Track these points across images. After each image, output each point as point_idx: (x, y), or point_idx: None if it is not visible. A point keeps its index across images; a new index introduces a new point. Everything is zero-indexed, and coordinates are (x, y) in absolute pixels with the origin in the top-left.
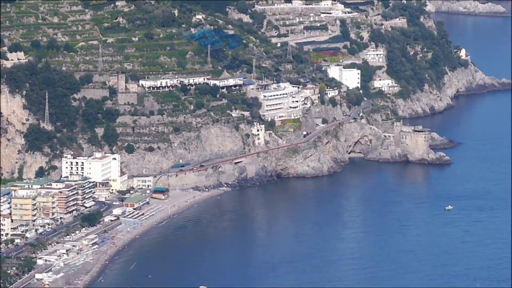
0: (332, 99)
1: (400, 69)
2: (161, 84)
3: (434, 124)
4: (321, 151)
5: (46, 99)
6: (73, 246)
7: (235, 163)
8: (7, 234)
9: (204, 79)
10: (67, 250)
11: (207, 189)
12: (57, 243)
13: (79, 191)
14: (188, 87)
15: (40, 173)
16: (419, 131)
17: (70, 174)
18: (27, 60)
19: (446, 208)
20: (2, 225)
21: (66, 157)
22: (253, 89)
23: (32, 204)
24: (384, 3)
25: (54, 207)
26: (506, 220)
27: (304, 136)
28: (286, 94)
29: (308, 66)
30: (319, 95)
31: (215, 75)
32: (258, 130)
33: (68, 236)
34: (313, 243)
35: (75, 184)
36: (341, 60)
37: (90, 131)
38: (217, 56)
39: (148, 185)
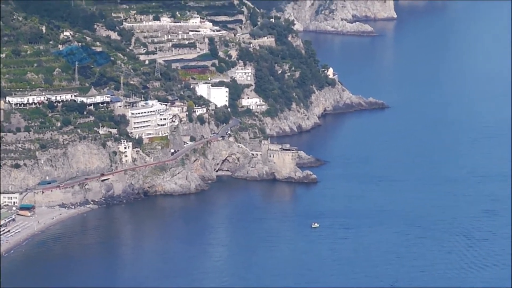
0: (200, 117)
1: (268, 87)
2: (28, 100)
3: (301, 143)
4: (188, 169)
5: None
6: None
7: (102, 180)
8: None
9: (71, 96)
10: None
11: (73, 206)
12: None
13: None
14: (55, 104)
15: None
16: (286, 150)
17: None
18: None
19: (312, 225)
20: None
21: None
22: (120, 106)
23: None
24: (252, 21)
25: None
26: (372, 238)
27: (172, 153)
28: (154, 111)
29: (176, 84)
30: (187, 112)
31: (83, 92)
32: (125, 148)
33: None
34: (180, 261)
35: None
36: (209, 78)
37: None
38: (84, 73)
39: (14, 202)
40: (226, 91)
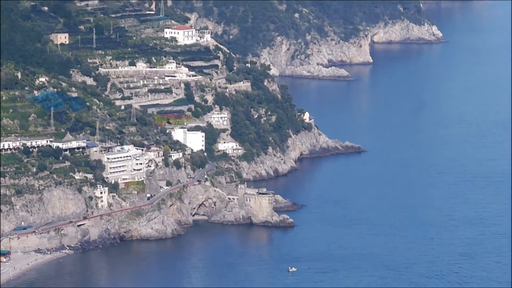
0: (177, 162)
1: (244, 132)
2: (3, 146)
3: (278, 187)
4: (165, 214)
5: None
6: None
7: (78, 225)
8: None
9: (47, 141)
10: None
11: (49, 252)
12: None
13: None
14: (30, 150)
15: None
16: (263, 194)
17: None
18: None
19: (289, 270)
20: None
21: None
22: (96, 151)
23: None
24: (228, 66)
25: None
26: (349, 282)
27: (148, 198)
28: (130, 156)
29: (152, 129)
30: (163, 157)
31: (58, 137)
32: (101, 193)
33: None
34: None
35: None
36: (185, 123)
37: None
38: (60, 118)
39: None
40: (202, 136)
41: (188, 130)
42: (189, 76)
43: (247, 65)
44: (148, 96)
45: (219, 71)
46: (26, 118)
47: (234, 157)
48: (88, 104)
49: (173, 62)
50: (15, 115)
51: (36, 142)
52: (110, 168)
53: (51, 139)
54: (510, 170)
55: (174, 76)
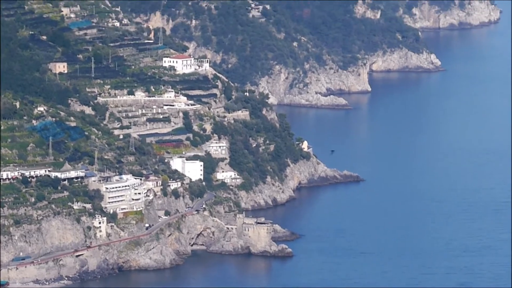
0: (175, 191)
1: (243, 161)
2: (1, 176)
3: (276, 216)
4: (163, 244)
5: None
6: None
7: (76, 256)
8: None
9: (45, 171)
10: None
11: (47, 283)
12: None
13: None
14: (29, 179)
15: None
16: (261, 223)
17: None
18: None
19: None
20: None
21: None
22: (95, 181)
23: None
24: (226, 95)
25: None
26: None
27: (147, 228)
28: (128, 186)
29: (150, 158)
30: (161, 187)
31: (57, 167)
32: (100, 223)
33: None
34: None
35: None
36: (183, 152)
37: None
38: (58, 148)
39: None
40: (201, 165)
41: (186, 160)
42: (188, 105)
43: (245, 94)
44: (146, 125)
45: (218, 100)
46: (24, 147)
47: (232, 186)
48: (86, 133)
49: (172, 91)
50: (13, 144)
51: (34, 172)
52: (109, 198)
53: (49, 169)
54: (508, 199)
55: (173, 105)
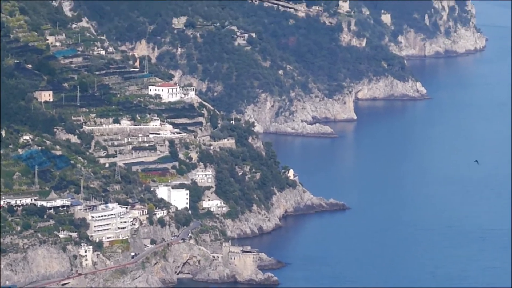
0: (161, 220)
1: (229, 189)
2: None
3: (262, 245)
4: (149, 272)
5: None
6: None
7: (62, 284)
8: None
9: (31, 200)
10: None
11: None
12: None
13: None
14: (15, 208)
15: None
16: (247, 252)
17: None
18: None
19: None
20: None
21: None
22: (80, 209)
23: None
24: (212, 123)
25: None
26: None
27: (132, 257)
28: (114, 214)
29: (136, 187)
30: (147, 215)
31: (43, 196)
32: (85, 251)
33: None
34: None
35: None
36: (169, 181)
37: None
38: (44, 176)
39: None
40: (187, 194)
41: (172, 188)
42: (174, 133)
43: (231, 122)
44: (132, 153)
45: (204, 128)
46: (10, 176)
47: (218, 214)
48: (72, 162)
49: (157, 120)
50: None
51: (20, 200)
52: (95, 226)
53: (35, 198)
54: (493, 226)
55: (159, 134)
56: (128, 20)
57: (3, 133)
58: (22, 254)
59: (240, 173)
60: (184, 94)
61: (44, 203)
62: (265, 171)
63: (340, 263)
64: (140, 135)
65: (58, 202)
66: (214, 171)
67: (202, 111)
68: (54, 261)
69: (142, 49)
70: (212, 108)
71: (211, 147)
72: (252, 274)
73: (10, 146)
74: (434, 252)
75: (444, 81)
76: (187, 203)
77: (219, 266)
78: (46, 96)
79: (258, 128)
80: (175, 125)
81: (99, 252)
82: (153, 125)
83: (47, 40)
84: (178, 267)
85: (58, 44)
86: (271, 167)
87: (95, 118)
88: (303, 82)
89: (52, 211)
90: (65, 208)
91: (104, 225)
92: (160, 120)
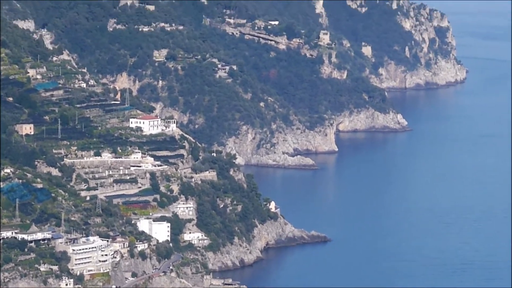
0: (142, 253)
1: (210, 222)
2: None
3: (244, 277)
4: None
5: None
6: None
7: None
8: None
9: (12, 233)
10: None
11: None
12: None
13: None
14: None
15: None
16: (228, 285)
17: None
18: None
19: None
20: None
21: None
22: (61, 243)
23: None
24: (194, 156)
25: None
26: None
27: None
28: (95, 247)
29: (117, 219)
30: (128, 248)
31: (24, 229)
32: (66, 284)
33: None
34: None
35: None
36: (150, 213)
37: None
38: (25, 209)
39: None
40: (168, 226)
41: (153, 221)
42: (155, 166)
43: (212, 154)
44: (113, 186)
45: (185, 160)
46: None
47: (199, 247)
48: (53, 195)
49: (139, 152)
50: None
51: (1, 234)
52: (76, 259)
53: (16, 231)
54: (474, 258)
55: (140, 166)
56: (109, 52)
57: None
58: None
59: (222, 206)
60: (166, 127)
61: (25, 236)
62: (246, 203)
63: None
64: (121, 167)
65: (39, 235)
66: (195, 204)
67: (184, 144)
68: None
69: (123, 81)
70: (194, 141)
71: (193, 180)
72: None
73: None
74: (415, 283)
75: (425, 113)
76: (168, 235)
77: None
78: (27, 129)
79: (239, 160)
80: (156, 158)
81: (80, 285)
82: (134, 157)
83: (28, 73)
84: None
85: (39, 77)
86: (252, 199)
87: (76, 151)
88: (285, 114)
89: (33, 244)
90: (46, 241)
91: (85, 258)
92: (142, 153)
